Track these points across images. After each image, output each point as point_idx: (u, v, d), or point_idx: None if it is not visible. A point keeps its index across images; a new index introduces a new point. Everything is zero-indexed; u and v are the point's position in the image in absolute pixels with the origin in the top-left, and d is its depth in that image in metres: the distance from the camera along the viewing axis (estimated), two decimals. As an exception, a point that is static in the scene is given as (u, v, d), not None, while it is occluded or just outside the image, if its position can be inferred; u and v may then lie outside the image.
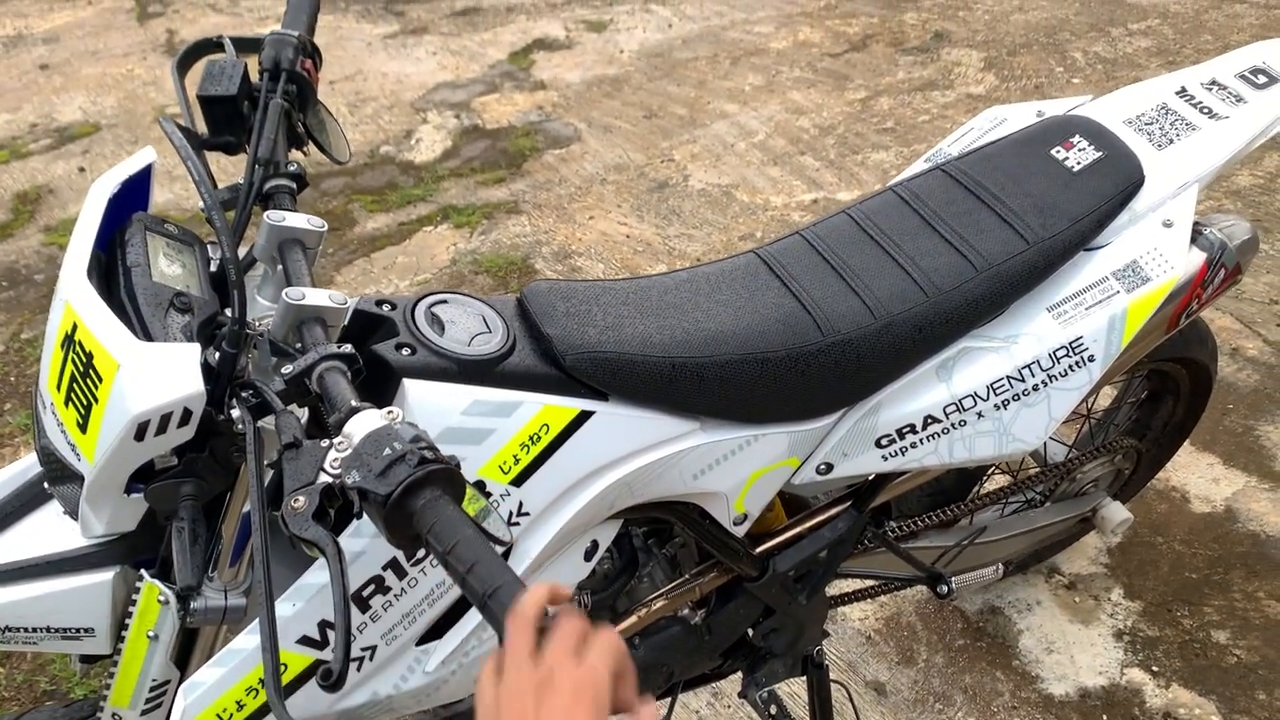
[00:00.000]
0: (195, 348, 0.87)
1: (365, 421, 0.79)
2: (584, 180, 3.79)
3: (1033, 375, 1.32)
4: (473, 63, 4.76)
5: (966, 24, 4.73)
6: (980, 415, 1.33)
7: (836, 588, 1.73)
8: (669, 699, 1.60)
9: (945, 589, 1.63)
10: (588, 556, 1.24)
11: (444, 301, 1.12)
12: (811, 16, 4.96)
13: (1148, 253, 1.33)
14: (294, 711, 1.04)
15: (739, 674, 1.63)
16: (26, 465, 1.11)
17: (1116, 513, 1.85)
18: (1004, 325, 1.33)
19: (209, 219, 0.97)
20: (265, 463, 0.88)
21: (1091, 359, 1.32)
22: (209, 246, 1.07)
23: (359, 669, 1.05)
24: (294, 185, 1.08)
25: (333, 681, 0.70)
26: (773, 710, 1.61)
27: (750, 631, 1.56)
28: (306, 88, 1.16)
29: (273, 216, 1.01)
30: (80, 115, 4.58)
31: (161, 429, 0.86)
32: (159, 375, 0.84)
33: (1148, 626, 2.02)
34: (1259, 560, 2.11)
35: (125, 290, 0.93)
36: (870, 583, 1.75)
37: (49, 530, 1.06)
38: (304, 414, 0.95)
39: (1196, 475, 2.30)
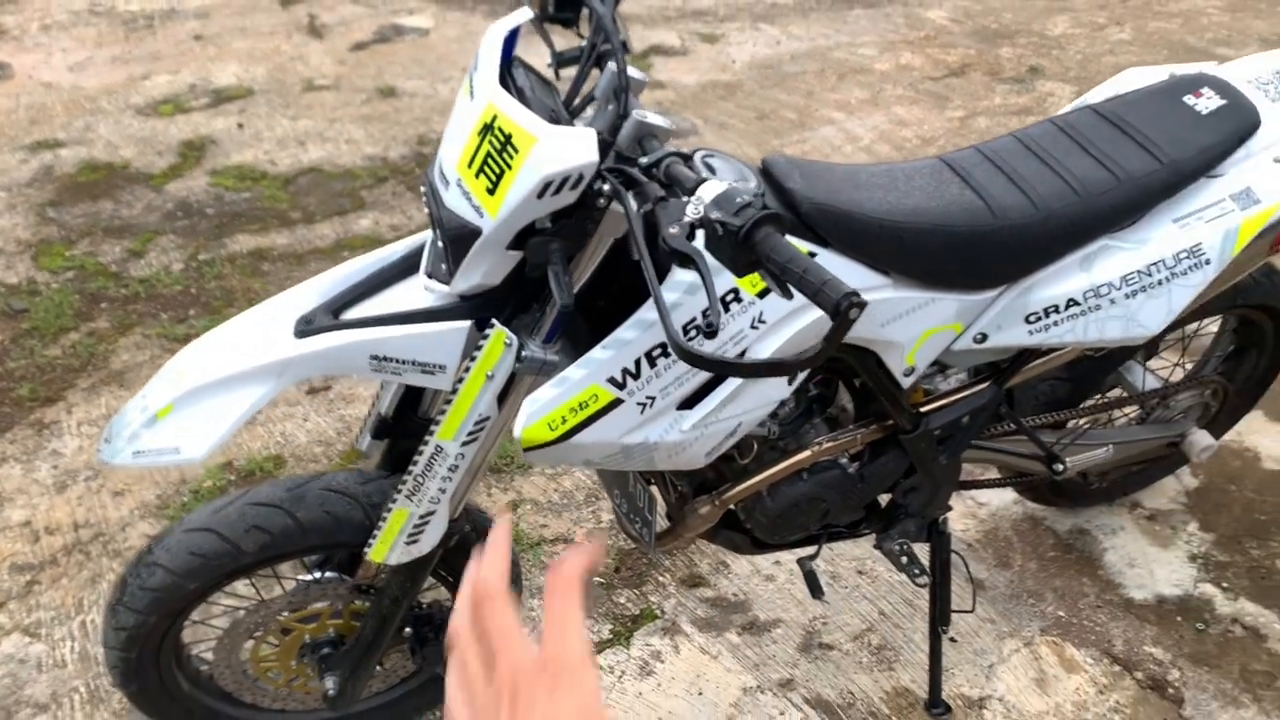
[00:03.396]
0: (593, 131, 1.20)
1: (713, 187, 1.11)
2: (701, 168, 4.13)
3: (1158, 271, 1.62)
4: (596, 61, 5.15)
5: (1059, 62, 5.05)
6: (1113, 302, 1.63)
7: (965, 474, 2.01)
8: (817, 546, 1.89)
9: (1060, 467, 1.92)
10: (790, 381, 1.56)
11: (714, 155, 1.45)
12: (912, 44, 5.30)
13: (1260, 181, 1.64)
14: (591, 437, 1.36)
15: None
16: (390, 250, 1.44)
17: (1202, 438, 2.14)
18: (1138, 230, 1.64)
19: (558, 65, 1.32)
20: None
21: (1208, 262, 1.62)
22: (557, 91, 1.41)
23: (641, 413, 1.37)
24: (621, 48, 1.42)
25: (710, 331, 1.02)
26: (905, 560, 1.90)
27: (891, 492, 1.86)
28: (623, -16, 1.51)
29: (612, 68, 1.35)
30: (234, 80, 5.01)
31: (558, 190, 1.19)
32: (567, 147, 1.18)
33: (1219, 553, 2.30)
34: (1321, 509, 2.39)
35: (519, 100, 1.27)
36: (993, 475, 2.05)
37: (412, 294, 1.39)
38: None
39: (1268, 439, 2.58)
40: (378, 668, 1.79)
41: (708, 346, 1.34)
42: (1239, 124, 1.66)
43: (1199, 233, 1.62)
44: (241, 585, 1.69)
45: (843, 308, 1.01)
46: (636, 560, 2.33)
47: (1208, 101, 1.69)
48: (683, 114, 4.57)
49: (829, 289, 1.02)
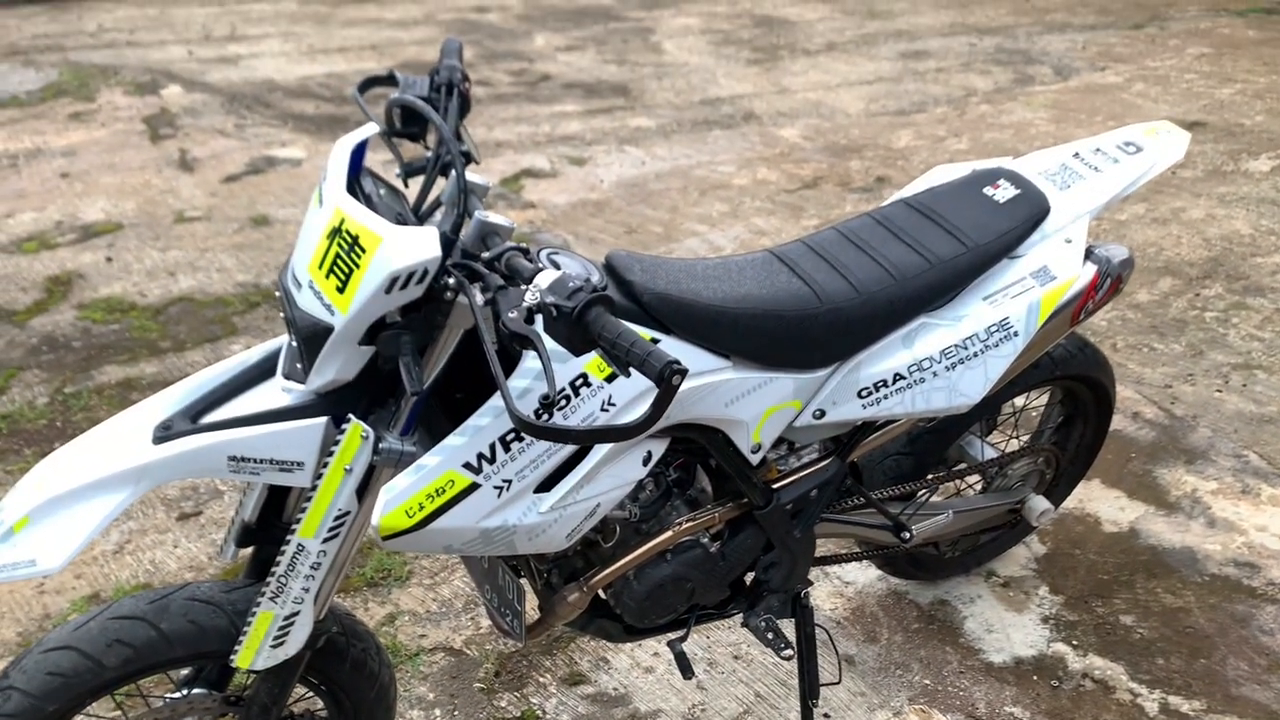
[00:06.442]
0: (435, 229, 1.29)
1: (548, 275, 1.21)
2: (573, 281, 4.26)
3: (973, 344, 1.78)
4: (468, 185, 5.30)
5: (904, 171, 5.41)
6: (935, 374, 1.77)
7: (821, 548, 2.12)
8: (685, 629, 1.94)
9: (907, 535, 2.03)
10: (644, 463, 1.64)
11: (558, 253, 1.56)
12: (768, 160, 5.62)
13: (1055, 260, 1.82)
14: (450, 522, 1.41)
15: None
16: (248, 355, 1.49)
17: (1039, 503, 2.29)
18: (952, 309, 1.80)
19: (407, 175, 1.42)
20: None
21: (1016, 334, 1.78)
22: (405, 198, 1.51)
23: (499, 496, 1.43)
24: (464, 159, 1.52)
25: (549, 402, 1.10)
26: (770, 635, 1.97)
27: (753, 570, 1.94)
28: (466, 102, 1.62)
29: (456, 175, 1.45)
30: (103, 215, 5.00)
31: (405, 285, 1.27)
32: (411, 245, 1.26)
33: (1069, 613, 2.43)
34: (1157, 565, 2.55)
35: (367, 206, 1.35)
36: (846, 549, 2.15)
37: (270, 395, 1.44)
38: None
39: (1106, 505, 2.76)
40: (251, 784, 1.76)
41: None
42: (1032, 210, 1.85)
43: (1006, 308, 1.79)
44: (107, 709, 1.65)
45: (666, 375, 1.10)
46: (517, 663, 2.35)
47: (1004, 192, 1.88)
48: (554, 230, 4.74)
49: (653, 359, 1.11)
